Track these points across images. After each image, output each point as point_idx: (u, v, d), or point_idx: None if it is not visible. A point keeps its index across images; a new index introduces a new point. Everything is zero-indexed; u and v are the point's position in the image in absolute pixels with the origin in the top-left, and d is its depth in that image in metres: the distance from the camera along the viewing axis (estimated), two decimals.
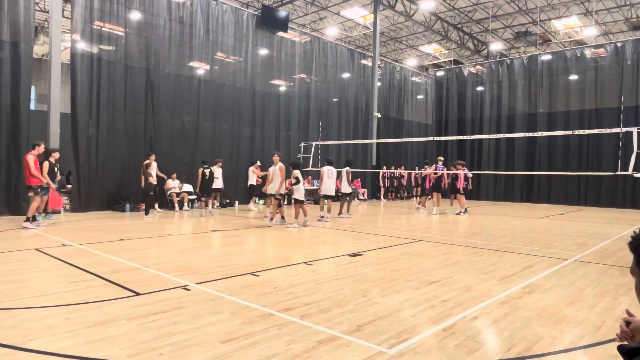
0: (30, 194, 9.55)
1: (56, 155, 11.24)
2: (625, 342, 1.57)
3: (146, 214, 12.19)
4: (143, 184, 12.40)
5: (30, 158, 9.59)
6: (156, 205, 13.32)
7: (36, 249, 6.98)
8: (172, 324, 3.69)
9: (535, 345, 3.42)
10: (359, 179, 21.20)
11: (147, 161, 12.70)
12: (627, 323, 1.61)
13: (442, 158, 15.75)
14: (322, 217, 12.21)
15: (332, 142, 19.75)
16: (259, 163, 16.74)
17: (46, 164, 10.76)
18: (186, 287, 4.88)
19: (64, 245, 7.42)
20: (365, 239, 9.03)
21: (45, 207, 11.04)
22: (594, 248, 8.20)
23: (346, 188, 13.26)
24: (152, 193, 12.49)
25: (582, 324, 3.94)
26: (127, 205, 13.20)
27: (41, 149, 9.96)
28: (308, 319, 3.90)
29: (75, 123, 12.83)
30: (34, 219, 10.00)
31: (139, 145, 14.17)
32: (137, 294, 4.58)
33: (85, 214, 12.31)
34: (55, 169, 11.05)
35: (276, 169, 11.04)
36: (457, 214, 14.33)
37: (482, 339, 3.57)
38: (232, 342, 3.32)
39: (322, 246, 8.16)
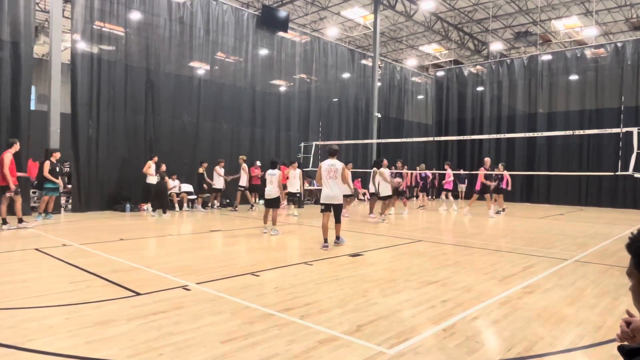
0: (10, 194, 9.16)
1: (57, 155, 11.27)
2: (625, 343, 1.57)
3: (164, 212, 12.57)
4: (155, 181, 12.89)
5: (7, 157, 9.14)
6: (148, 206, 13.39)
7: (36, 249, 6.98)
8: (172, 324, 3.69)
9: (536, 345, 3.42)
10: (359, 179, 21.20)
11: (150, 162, 13.07)
12: (628, 323, 1.61)
13: (449, 162, 17.34)
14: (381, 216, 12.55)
15: (332, 142, 19.71)
16: (259, 163, 16.75)
17: (47, 163, 10.83)
18: (186, 287, 4.88)
19: (64, 245, 7.42)
20: (365, 239, 9.02)
21: (46, 208, 11.07)
22: (594, 248, 8.20)
23: (294, 187, 13.12)
24: (169, 193, 13.13)
25: (582, 324, 3.93)
26: (127, 205, 13.21)
27: (17, 146, 9.50)
28: (308, 319, 3.90)
29: (76, 123, 12.84)
30: (46, 214, 10.21)
31: (139, 145, 14.17)
32: (137, 294, 4.58)
33: (85, 214, 12.31)
34: (57, 168, 11.09)
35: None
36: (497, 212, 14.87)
37: (482, 339, 3.57)
38: (232, 342, 3.32)
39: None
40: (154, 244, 8.21)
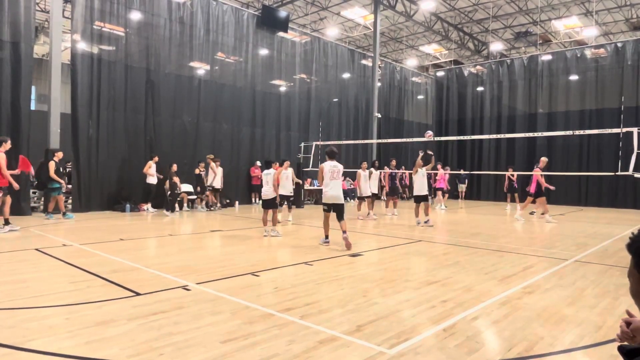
0: None
1: (60, 155, 11.28)
2: (625, 343, 1.57)
3: (167, 210, 12.78)
4: (167, 185, 13.31)
5: (1, 156, 8.66)
6: (148, 206, 13.41)
7: (36, 249, 6.98)
8: (172, 324, 3.69)
9: (536, 345, 3.42)
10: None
11: (151, 162, 13.31)
12: (628, 323, 1.61)
13: (440, 163, 17.73)
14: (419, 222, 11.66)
15: (332, 142, 19.73)
16: (258, 163, 16.75)
17: (52, 164, 10.85)
18: (186, 287, 4.88)
19: (64, 245, 7.42)
20: (365, 239, 9.03)
21: (46, 208, 11.07)
22: (594, 248, 8.20)
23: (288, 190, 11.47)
24: (176, 191, 13.31)
25: (582, 324, 3.93)
26: (127, 205, 13.21)
27: (7, 145, 9.04)
28: (308, 319, 3.90)
29: (76, 123, 12.84)
30: (47, 214, 10.14)
31: (139, 145, 14.18)
32: (138, 294, 4.58)
33: (85, 214, 12.30)
34: (61, 168, 11.12)
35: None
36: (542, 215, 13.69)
37: (482, 339, 3.57)
38: (232, 342, 3.32)
39: (322, 246, 8.15)
40: (154, 244, 8.21)
